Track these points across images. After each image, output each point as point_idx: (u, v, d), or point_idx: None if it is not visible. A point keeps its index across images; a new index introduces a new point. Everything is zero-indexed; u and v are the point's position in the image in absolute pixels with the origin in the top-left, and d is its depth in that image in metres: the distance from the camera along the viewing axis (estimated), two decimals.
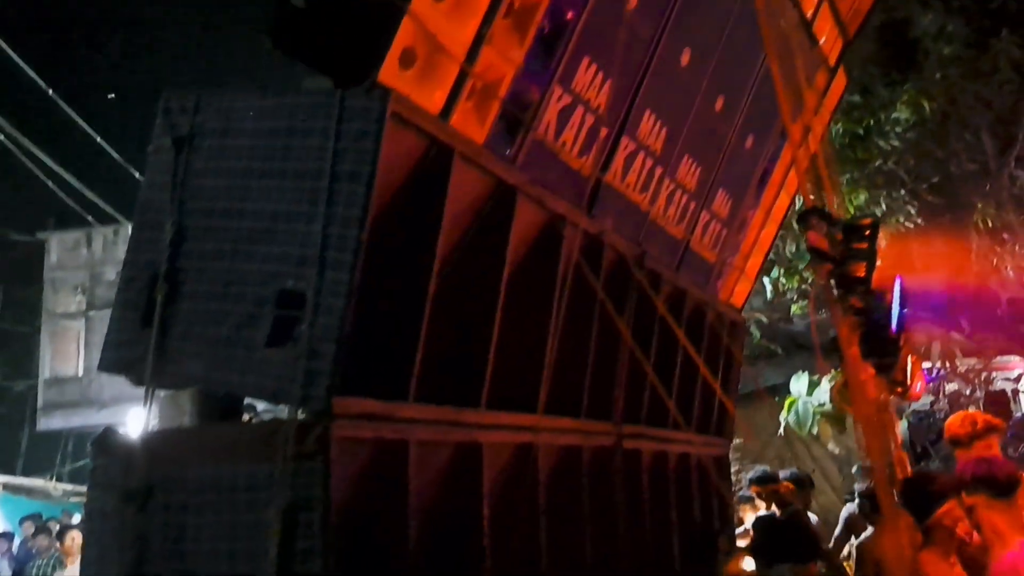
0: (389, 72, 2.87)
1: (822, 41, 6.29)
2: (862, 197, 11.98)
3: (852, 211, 11.98)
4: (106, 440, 2.84)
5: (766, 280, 12.71)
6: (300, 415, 2.59)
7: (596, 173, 4.21)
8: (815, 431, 12.46)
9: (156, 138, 3.02)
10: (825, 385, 11.48)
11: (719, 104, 5.14)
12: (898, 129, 12.16)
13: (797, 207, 7.95)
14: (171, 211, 2.93)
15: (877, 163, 12.17)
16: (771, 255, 13.24)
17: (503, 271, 3.47)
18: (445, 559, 3.13)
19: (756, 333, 13.07)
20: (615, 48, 4.00)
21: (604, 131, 4.18)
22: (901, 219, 12.25)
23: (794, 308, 12.89)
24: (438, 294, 3.14)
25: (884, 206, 12.06)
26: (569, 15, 3.62)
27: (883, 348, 3.43)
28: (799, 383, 11.39)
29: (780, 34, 5.43)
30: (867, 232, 3.26)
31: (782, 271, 12.72)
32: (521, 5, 3.34)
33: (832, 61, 6.53)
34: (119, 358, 2.99)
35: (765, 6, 4.50)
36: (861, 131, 12.19)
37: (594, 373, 4.30)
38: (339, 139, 2.72)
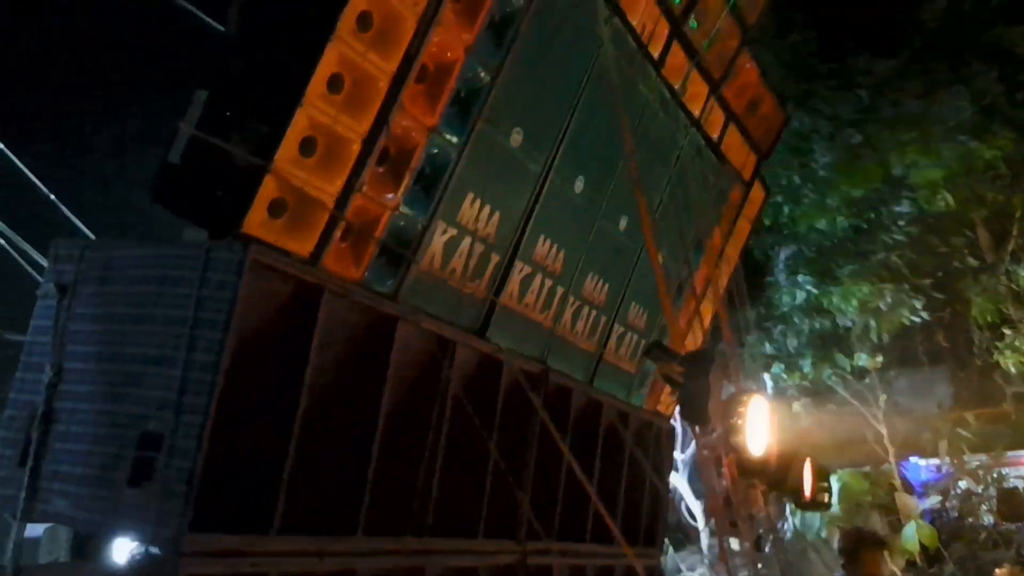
0: (259, 222, 3.12)
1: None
2: (865, 290, 12.06)
3: (855, 305, 12.06)
4: None
5: (766, 376, 12.82)
6: (153, 553, 2.72)
7: (489, 297, 4.44)
8: (823, 534, 12.21)
9: (44, 284, 3.24)
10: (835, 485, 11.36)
11: (623, 224, 5.42)
12: (900, 222, 12.36)
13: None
14: (53, 354, 3.12)
15: (880, 256, 12.32)
16: (772, 349, 13.22)
17: (381, 397, 3.64)
18: None
19: None
20: (500, 183, 4.29)
21: (495, 257, 4.43)
22: (906, 313, 12.29)
23: (795, 406, 12.77)
24: (312, 424, 3.31)
25: (889, 298, 12.15)
26: (452, 148, 3.89)
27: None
28: None
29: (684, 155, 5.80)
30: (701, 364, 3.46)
31: (784, 367, 12.81)
32: (396, 152, 3.62)
33: (747, 175, 6.88)
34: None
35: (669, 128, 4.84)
36: (864, 224, 12.39)
37: (494, 491, 4.41)
38: (202, 288, 2.94)
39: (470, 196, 4.11)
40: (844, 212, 12.42)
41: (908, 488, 12.55)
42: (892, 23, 12.72)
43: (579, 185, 4.86)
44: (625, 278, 5.62)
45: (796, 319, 13.11)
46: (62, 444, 3.00)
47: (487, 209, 4.26)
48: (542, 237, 4.73)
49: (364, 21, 3.23)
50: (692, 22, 5.48)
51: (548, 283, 4.91)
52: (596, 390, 5.55)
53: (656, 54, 5.21)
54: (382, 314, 3.66)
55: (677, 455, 12.17)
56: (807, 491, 5.17)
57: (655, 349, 3.49)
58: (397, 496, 3.77)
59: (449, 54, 3.64)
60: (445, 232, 4.01)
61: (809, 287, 12.92)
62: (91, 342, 3.11)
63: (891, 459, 12.26)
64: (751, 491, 4.69)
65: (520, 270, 4.64)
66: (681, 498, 12.77)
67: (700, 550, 12.74)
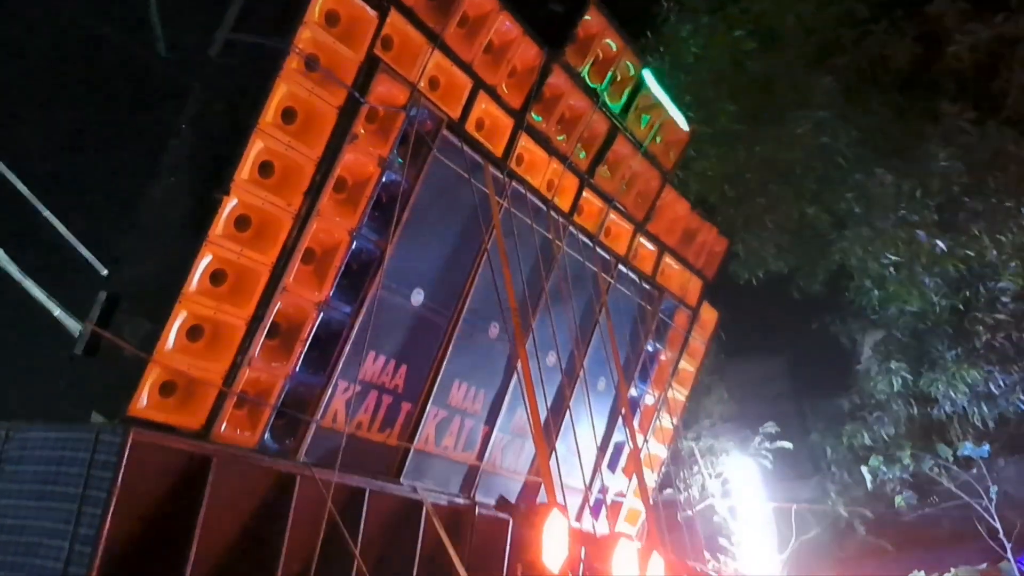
0: (150, 404, 3.58)
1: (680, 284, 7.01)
2: (974, 374, 11.45)
3: (964, 390, 11.54)
4: None
5: (864, 469, 12.25)
6: None
7: (402, 444, 4.80)
8: None
9: None
10: None
11: (551, 359, 5.76)
12: (1004, 299, 11.48)
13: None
14: None
15: (985, 338, 11.52)
16: (868, 441, 12.73)
17: (281, 549, 3.97)
18: None
19: (860, 529, 12.60)
20: (404, 338, 4.72)
21: (407, 406, 4.82)
22: (1021, 397, 11.46)
23: (898, 500, 12.26)
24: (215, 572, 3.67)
25: (1002, 382, 11.43)
26: (347, 315, 4.32)
27: None
28: None
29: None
30: None
31: (881, 460, 12.32)
32: (287, 327, 4.08)
33: (693, 301, 7.19)
34: None
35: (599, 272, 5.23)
36: (960, 304, 11.61)
37: None
38: (90, 467, 3.38)
39: (372, 353, 4.53)
40: (941, 291, 11.18)
41: None
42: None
43: (494, 331, 5.25)
44: (561, 409, 5.92)
45: (894, 406, 12.46)
46: None
47: (392, 363, 4.68)
48: (457, 382, 5.11)
49: (241, 223, 3.76)
50: (606, 171, 5.95)
51: (468, 423, 5.26)
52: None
53: (568, 205, 5.67)
54: (279, 472, 4.05)
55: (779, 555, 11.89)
56: None
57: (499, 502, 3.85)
58: None
59: (334, 237, 4.14)
60: (348, 389, 4.42)
61: (904, 373, 12.23)
62: (7, 516, 3.56)
63: (1009, 555, 11.56)
64: None
65: (435, 415, 5.01)
66: None
67: None
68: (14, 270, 4.42)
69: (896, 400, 12.51)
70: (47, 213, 4.67)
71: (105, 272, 4.30)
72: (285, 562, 4.02)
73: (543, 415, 5.73)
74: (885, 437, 12.51)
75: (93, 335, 3.58)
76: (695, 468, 12.54)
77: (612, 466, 6.66)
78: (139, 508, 3.50)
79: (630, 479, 6.84)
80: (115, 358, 3.62)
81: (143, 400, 3.55)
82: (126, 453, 3.36)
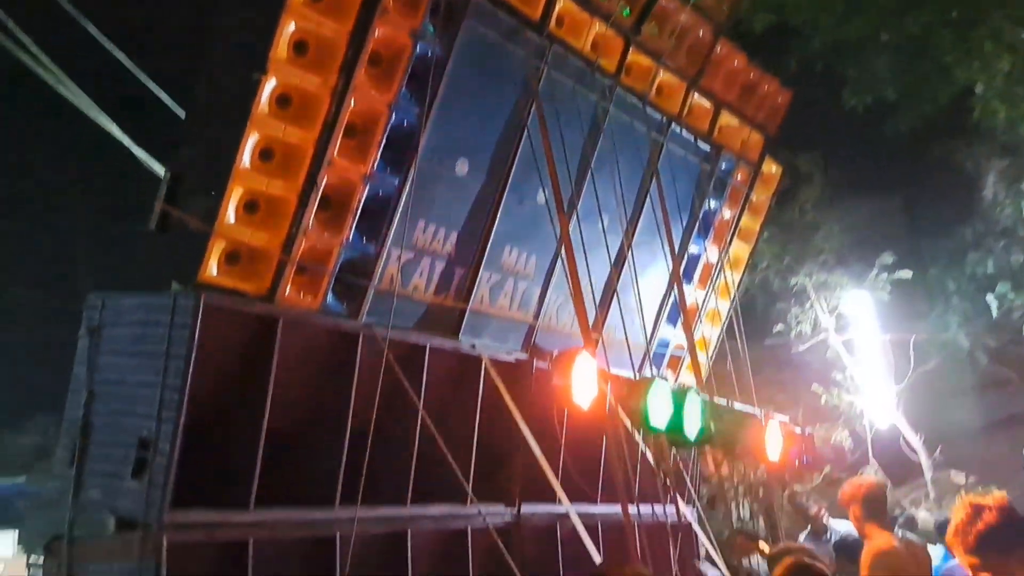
0: (219, 271, 4.01)
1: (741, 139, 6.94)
2: None
3: None
4: None
5: (990, 297, 11.83)
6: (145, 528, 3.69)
7: (458, 304, 5.14)
8: None
9: (81, 328, 4.29)
10: None
11: (606, 221, 5.92)
12: None
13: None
14: (87, 382, 4.17)
15: None
16: (992, 269, 12.25)
17: (349, 404, 4.43)
18: None
19: (983, 358, 12.55)
20: (452, 206, 4.98)
21: (459, 270, 5.13)
22: None
23: None
24: (286, 428, 4.19)
25: None
26: (394, 186, 4.60)
27: None
28: None
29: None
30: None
31: (1009, 286, 11.88)
32: (337, 199, 4.40)
33: (753, 156, 7.12)
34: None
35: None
36: None
37: (481, 461, 5.11)
38: (171, 329, 3.87)
39: (421, 222, 4.83)
40: None
41: None
42: None
43: (540, 197, 5.43)
44: (615, 273, 6.12)
45: (1021, 231, 11.96)
46: (93, 448, 4.04)
47: (442, 231, 4.96)
48: (507, 247, 5.36)
49: (282, 101, 4.03)
50: (653, 28, 5.87)
51: (522, 285, 5.55)
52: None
53: (613, 66, 5.66)
54: (341, 331, 4.47)
55: (895, 386, 11.90)
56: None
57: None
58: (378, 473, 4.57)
59: (373, 110, 4.36)
60: (401, 256, 4.75)
61: None
62: (108, 371, 4.13)
63: None
64: None
65: (488, 279, 5.31)
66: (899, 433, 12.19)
67: (924, 484, 12.18)
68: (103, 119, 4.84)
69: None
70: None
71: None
72: (354, 415, 4.50)
73: (602, 275, 5.97)
74: (1012, 265, 11.97)
75: (162, 212, 3.99)
76: (807, 304, 12.39)
77: (672, 320, 6.88)
78: (217, 364, 4.00)
79: (689, 333, 7.06)
80: (185, 232, 4.03)
81: (212, 269, 3.97)
82: (199, 315, 3.81)
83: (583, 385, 4.29)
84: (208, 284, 3.97)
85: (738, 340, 7.14)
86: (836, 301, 12.33)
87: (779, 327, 12.75)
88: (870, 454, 12.21)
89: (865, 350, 12.05)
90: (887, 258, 12.17)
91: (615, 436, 4.68)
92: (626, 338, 6.26)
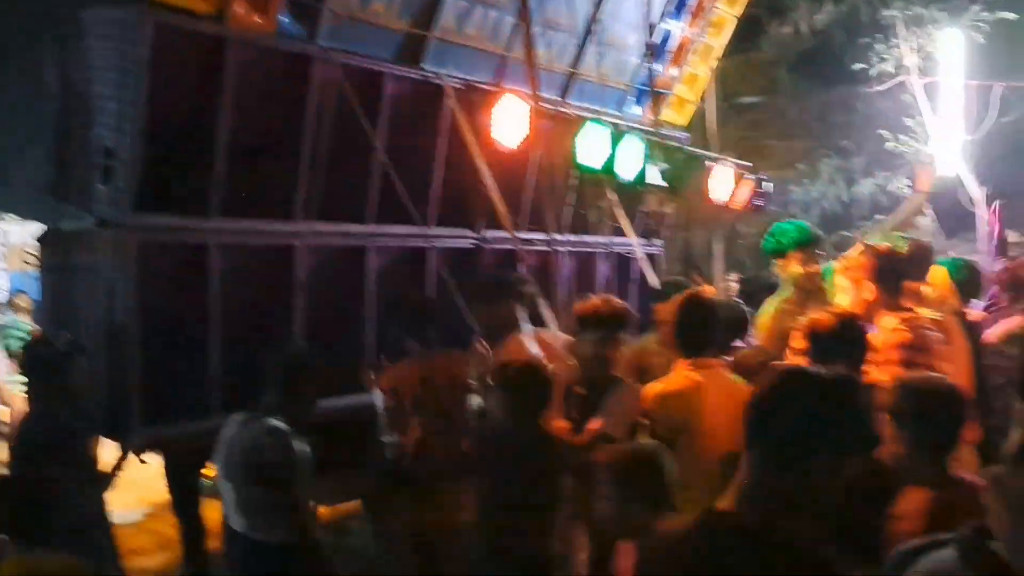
0: None
1: None
2: None
3: None
4: None
5: None
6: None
7: (420, 31, 5.17)
8: None
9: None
10: None
11: None
12: None
13: None
14: (57, 95, 4.47)
15: None
16: None
17: (306, 124, 4.69)
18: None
19: None
20: None
21: None
22: None
23: None
24: (250, 143, 4.51)
25: None
26: None
27: None
28: None
29: None
30: None
31: None
32: None
33: None
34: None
35: None
36: None
37: (447, 190, 5.47)
38: (125, 44, 4.07)
39: None
40: None
41: None
42: None
43: None
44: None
45: None
46: (72, 158, 4.45)
47: None
48: None
49: None
50: None
51: (492, 15, 5.51)
52: (568, 105, 6.19)
53: None
54: (295, 54, 4.62)
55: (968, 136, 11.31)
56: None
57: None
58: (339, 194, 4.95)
59: None
60: None
61: None
62: (78, 85, 4.40)
63: None
64: None
65: (454, 5, 5.27)
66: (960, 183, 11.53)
67: (975, 239, 11.55)
68: None
69: None
70: None
71: None
72: (314, 140, 4.77)
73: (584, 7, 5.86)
74: None
75: None
76: (893, 40, 11.54)
77: (658, 55, 6.82)
78: (174, 81, 4.22)
79: (680, 67, 7.02)
80: None
81: None
82: (149, 33, 3.99)
83: (509, 125, 4.47)
84: (159, 2, 4.09)
85: None
86: (926, 39, 11.36)
87: (857, 67, 11.80)
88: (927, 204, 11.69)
89: (945, 95, 11.23)
90: None
91: (547, 171, 4.93)
92: (600, 73, 6.31)
